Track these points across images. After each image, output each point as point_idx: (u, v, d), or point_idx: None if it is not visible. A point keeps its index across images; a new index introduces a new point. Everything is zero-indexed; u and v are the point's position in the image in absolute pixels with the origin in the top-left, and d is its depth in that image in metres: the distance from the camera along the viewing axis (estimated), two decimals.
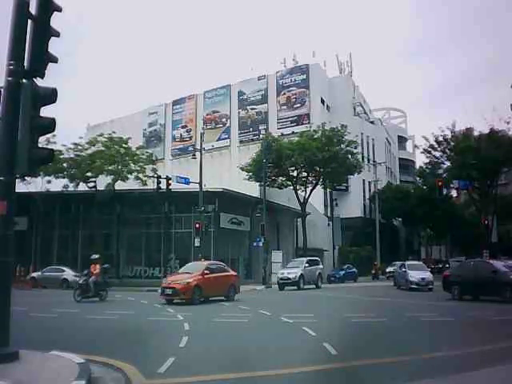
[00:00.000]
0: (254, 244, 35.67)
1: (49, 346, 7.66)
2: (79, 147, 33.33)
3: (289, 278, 29.08)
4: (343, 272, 41.53)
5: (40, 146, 7.48)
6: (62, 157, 31.85)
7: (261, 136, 53.21)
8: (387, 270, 44.34)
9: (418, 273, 26.59)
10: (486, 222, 42.15)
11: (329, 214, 52.63)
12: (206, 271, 19.36)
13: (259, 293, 27.94)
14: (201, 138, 35.64)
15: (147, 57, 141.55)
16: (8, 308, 6.58)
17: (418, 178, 59.25)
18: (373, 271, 45.49)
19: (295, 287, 28.54)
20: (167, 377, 6.46)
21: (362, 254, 49.73)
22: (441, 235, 64.27)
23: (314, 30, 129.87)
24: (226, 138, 63.20)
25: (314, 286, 30.11)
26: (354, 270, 42.57)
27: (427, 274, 26.72)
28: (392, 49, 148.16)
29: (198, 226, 30.64)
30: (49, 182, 32.34)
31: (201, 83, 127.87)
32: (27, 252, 33.72)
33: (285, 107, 59.35)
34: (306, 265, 30.06)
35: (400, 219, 64.24)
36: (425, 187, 54.86)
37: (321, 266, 32.12)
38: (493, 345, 8.41)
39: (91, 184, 32.92)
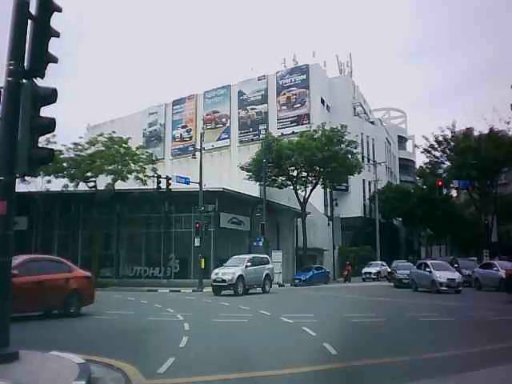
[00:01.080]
0: (254, 244, 35.65)
1: (49, 346, 7.66)
2: (79, 147, 33.28)
3: (223, 280, 23.38)
4: (310, 273, 36.41)
5: (40, 146, 7.47)
6: (62, 157, 31.79)
7: (261, 136, 53.25)
8: (363, 270, 42.12)
9: (445, 273, 23.77)
10: (486, 221, 42.16)
11: (329, 214, 52.64)
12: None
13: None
14: (201, 138, 35.63)
15: (147, 57, 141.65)
16: (8, 308, 6.58)
17: (417, 178, 59.30)
18: (345, 272, 41.48)
19: (232, 291, 23.10)
20: (167, 377, 6.46)
21: (361, 254, 49.73)
22: (441, 235, 64.28)
23: (314, 30, 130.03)
24: (225, 138, 63.22)
25: (261, 291, 25.02)
26: (325, 270, 39.05)
27: (456, 275, 23.97)
28: (392, 49, 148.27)
29: (197, 225, 30.64)
30: (49, 181, 32.28)
31: (201, 83, 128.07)
32: (27, 252, 33.30)
33: (285, 107, 59.37)
34: (248, 264, 24.49)
35: (400, 219, 64.26)
36: (425, 187, 54.89)
37: (270, 266, 26.49)
38: (493, 345, 8.42)
39: (91, 184, 32.88)
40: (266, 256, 27.99)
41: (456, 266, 28.42)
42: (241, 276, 23.40)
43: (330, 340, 8.69)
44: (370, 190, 60.00)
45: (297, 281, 35.58)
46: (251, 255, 27.12)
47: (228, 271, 23.73)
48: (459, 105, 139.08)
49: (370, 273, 41.59)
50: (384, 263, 43.13)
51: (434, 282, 23.44)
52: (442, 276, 23.46)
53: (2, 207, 6.49)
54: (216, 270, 24.70)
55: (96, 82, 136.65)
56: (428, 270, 24.53)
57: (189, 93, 68.21)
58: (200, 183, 31.30)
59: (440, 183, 37.02)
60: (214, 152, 61.11)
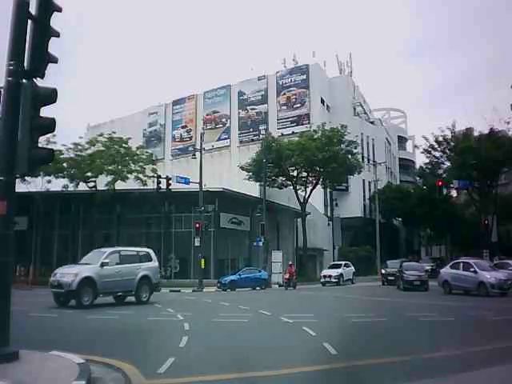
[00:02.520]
0: (254, 244, 35.68)
1: (49, 346, 7.66)
2: (79, 147, 33.33)
3: (59, 285, 16.09)
4: (239, 276, 30.21)
5: (40, 145, 7.48)
6: (62, 157, 31.85)
7: (261, 136, 53.25)
8: (322, 273, 36.35)
9: (495, 274, 21.44)
10: (486, 221, 42.13)
11: (329, 214, 52.65)
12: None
13: (259, 292, 27.94)
14: (201, 138, 35.66)
15: (147, 57, 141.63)
16: (8, 308, 6.58)
17: (417, 178, 59.25)
18: (285, 276, 31.77)
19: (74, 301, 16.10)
20: (167, 377, 6.46)
21: (361, 254, 49.72)
22: (441, 235, 64.20)
23: (314, 30, 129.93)
24: (226, 138, 63.21)
25: (135, 300, 17.98)
26: (263, 273, 32.37)
27: (506, 275, 21.52)
28: (392, 49, 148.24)
29: (197, 225, 30.65)
30: (49, 181, 32.33)
31: (201, 83, 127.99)
32: (27, 252, 33.74)
33: (285, 107, 59.35)
34: (107, 260, 16.95)
35: (400, 219, 64.24)
36: (425, 187, 54.85)
37: (151, 264, 18.85)
38: (493, 345, 8.42)
39: (91, 184, 32.92)
40: (147, 250, 19.58)
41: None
42: (86, 280, 16.03)
43: (330, 340, 8.69)
44: (370, 190, 59.98)
45: (222, 282, 29.79)
46: (115, 248, 19.22)
47: (69, 272, 16.57)
48: (459, 105, 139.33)
49: (330, 276, 34.80)
50: (349, 263, 38.22)
51: (484, 283, 20.69)
52: (492, 277, 20.78)
53: (2, 207, 6.50)
54: (60, 270, 17.24)
55: (96, 81, 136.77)
56: (472, 270, 21.77)
57: (189, 93, 68.26)
58: (200, 183, 31.31)
59: (440, 183, 36.98)
60: (214, 152, 61.10)
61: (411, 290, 24.67)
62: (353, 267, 38.15)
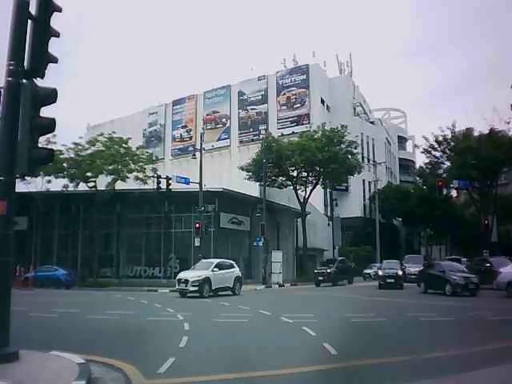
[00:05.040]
0: (254, 244, 35.67)
1: (49, 346, 7.66)
2: (79, 147, 33.29)
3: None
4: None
5: (40, 146, 7.48)
6: (62, 157, 31.81)
7: (261, 136, 53.23)
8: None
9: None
10: (486, 221, 42.11)
11: (329, 214, 52.64)
12: None
13: (259, 293, 27.95)
14: (201, 138, 35.64)
15: (147, 57, 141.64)
16: (8, 308, 6.58)
17: (417, 178, 59.23)
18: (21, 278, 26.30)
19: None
20: (167, 377, 6.46)
21: (361, 254, 49.71)
22: (441, 235, 64.27)
23: (314, 30, 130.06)
24: (225, 138, 63.21)
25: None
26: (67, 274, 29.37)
27: None
28: (392, 49, 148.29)
29: (197, 225, 30.65)
30: (49, 181, 32.30)
31: (201, 83, 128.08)
32: (27, 252, 33.75)
33: (285, 107, 59.36)
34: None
35: (400, 219, 64.25)
36: (425, 187, 54.85)
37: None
38: (493, 345, 8.42)
39: (91, 184, 32.89)
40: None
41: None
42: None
43: (330, 340, 8.69)
44: (370, 190, 59.99)
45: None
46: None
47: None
48: (459, 105, 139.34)
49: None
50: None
51: None
52: None
53: (2, 207, 6.50)
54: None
55: (96, 81, 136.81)
56: None
57: (189, 93, 68.29)
58: (200, 183, 31.30)
59: (440, 183, 36.94)
60: (214, 152, 61.11)
61: (460, 294, 20.57)
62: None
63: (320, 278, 32.37)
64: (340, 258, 36.82)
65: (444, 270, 22.28)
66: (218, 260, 25.09)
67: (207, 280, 22.27)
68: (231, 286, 23.66)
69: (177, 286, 22.91)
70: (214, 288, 22.49)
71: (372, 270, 42.29)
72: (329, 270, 32.55)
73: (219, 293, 22.80)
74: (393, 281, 26.75)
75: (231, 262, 25.52)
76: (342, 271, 33.65)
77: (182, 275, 23.15)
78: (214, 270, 22.91)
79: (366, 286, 32.64)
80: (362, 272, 43.27)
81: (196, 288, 21.84)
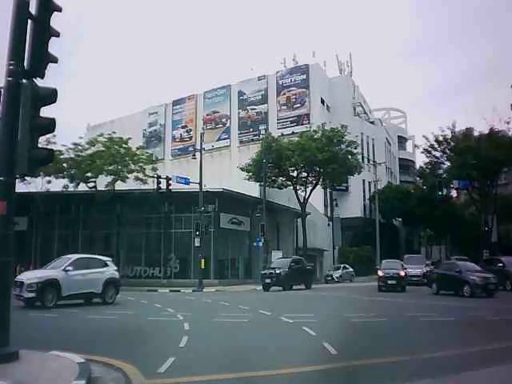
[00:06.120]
0: (254, 244, 35.66)
1: (49, 346, 7.66)
2: (79, 147, 33.30)
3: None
4: None
5: (40, 146, 7.47)
6: (62, 157, 31.81)
7: (261, 136, 53.24)
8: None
9: None
10: (486, 222, 42.15)
11: (329, 214, 52.64)
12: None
13: (259, 293, 27.92)
14: (201, 138, 35.64)
15: (147, 57, 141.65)
16: (8, 308, 6.58)
17: (417, 178, 59.26)
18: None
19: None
20: (167, 377, 6.46)
21: (361, 254, 49.68)
22: (441, 235, 64.27)
23: (314, 30, 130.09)
24: (225, 138, 63.21)
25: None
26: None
27: None
28: (392, 49, 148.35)
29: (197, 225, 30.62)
30: (49, 182, 32.30)
31: (201, 83, 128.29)
32: (27, 252, 33.71)
33: (285, 107, 59.37)
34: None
35: (400, 219, 64.24)
36: (425, 187, 54.86)
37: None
38: (493, 345, 8.41)
39: (91, 184, 32.90)
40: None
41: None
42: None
43: (330, 340, 8.68)
44: (370, 190, 59.98)
45: None
46: None
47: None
48: (459, 105, 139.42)
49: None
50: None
51: None
52: None
53: (2, 207, 6.49)
54: None
55: (96, 81, 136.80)
56: None
57: (189, 93, 68.31)
58: (200, 183, 31.29)
59: (440, 183, 37.11)
60: (214, 152, 61.10)
61: (478, 295, 19.62)
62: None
63: (267, 281, 27.45)
64: (294, 257, 31.97)
65: (460, 270, 21.21)
66: (79, 256, 18.76)
67: (53, 283, 16.17)
68: (98, 291, 17.80)
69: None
70: (64, 295, 16.53)
71: (336, 272, 42.07)
72: (278, 271, 27.56)
73: (80, 301, 17.27)
74: (395, 282, 24.28)
75: (102, 258, 19.41)
76: (298, 273, 28.74)
77: (21, 276, 17.03)
78: (68, 268, 16.84)
79: (331, 287, 31.10)
80: (363, 272, 43.42)
81: (33, 294, 15.68)
